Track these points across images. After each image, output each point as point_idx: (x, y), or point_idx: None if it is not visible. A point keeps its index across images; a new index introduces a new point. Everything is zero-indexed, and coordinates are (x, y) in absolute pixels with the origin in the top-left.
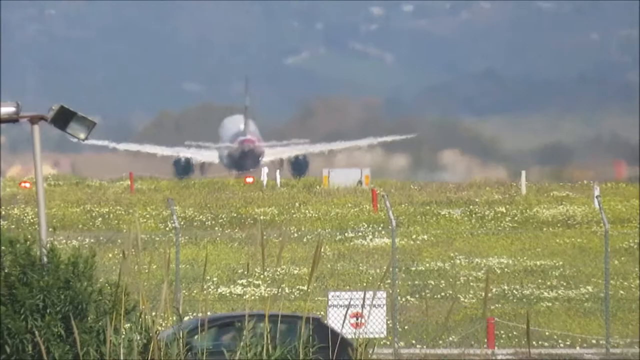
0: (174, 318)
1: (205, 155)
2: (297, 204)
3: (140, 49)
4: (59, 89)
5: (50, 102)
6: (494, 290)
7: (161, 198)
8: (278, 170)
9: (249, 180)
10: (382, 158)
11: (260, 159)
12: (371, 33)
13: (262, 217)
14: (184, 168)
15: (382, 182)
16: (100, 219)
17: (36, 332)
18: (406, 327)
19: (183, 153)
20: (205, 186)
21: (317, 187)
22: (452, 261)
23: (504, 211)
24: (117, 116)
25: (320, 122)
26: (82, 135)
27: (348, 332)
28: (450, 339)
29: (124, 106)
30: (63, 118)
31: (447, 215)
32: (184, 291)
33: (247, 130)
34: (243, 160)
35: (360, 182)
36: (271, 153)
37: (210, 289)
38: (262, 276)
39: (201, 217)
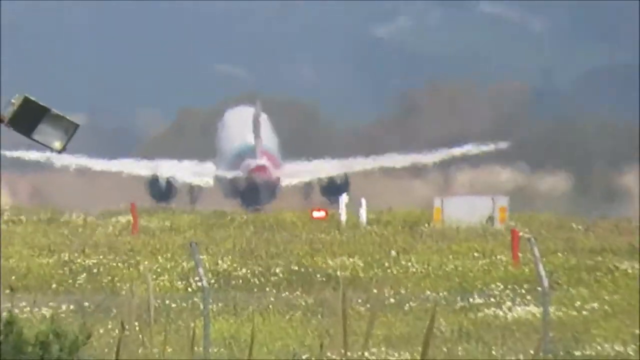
0: None
1: (195, 171)
2: (393, 252)
3: (145, 17)
4: (31, 78)
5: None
6: None
7: (180, 242)
8: (363, 200)
9: (318, 214)
10: (525, 179)
11: (277, 190)
12: None
13: (340, 273)
14: (161, 193)
15: (527, 217)
16: (84, 274)
17: None
18: None
19: (164, 171)
20: (251, 224)
21: (425, 225)
22: (638, 343)
23: None
24: (114, 117)
25: (429, 122)
26: (57, 144)
27: None
28: None
29: (124, 102)
30: (28, 117)
31: (629, 272)
32: None
33: (258, 148)
34: (253, 195)
35: (491, 218)
36: (293, 172)
37: None
38: None
39: (243, 270)
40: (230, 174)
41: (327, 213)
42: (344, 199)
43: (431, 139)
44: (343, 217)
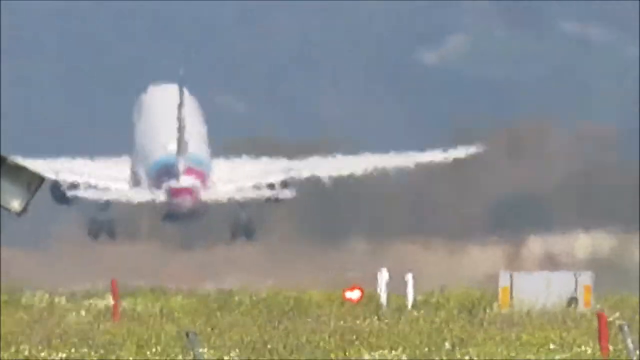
0: None
1: (99, 174)
2: (447, 344)
3: (132, 33)
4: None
5: None
6: None
7: (174, 331)
8: (410, 276)
9: (352, 295)
10: (615, 248)
11: (205, 213)
12: (598, 3)
13: None
14: (62, 197)
15: (617, 298)
16: None
17: None
18: None
19: (66, 175)
20: (264, 307)
21: (487, 309)
22: None
23: None
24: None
25: (489, 171)
26: (15, 204)
27: None
28: None
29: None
30: None
31: None
32: None
33: (181, 164)
34: (172, 218)
35: (574, 299)
36: (229, 174)
37: None
38: None
39: None
40: (148, 196)
41: (362, 293)
42: (384, 275)
43: (492, 194)
44: (383, 299)
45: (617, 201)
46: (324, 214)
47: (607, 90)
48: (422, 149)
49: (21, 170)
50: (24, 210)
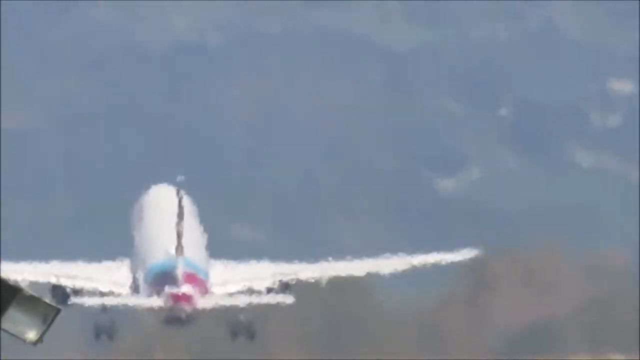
0: None
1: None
2: None
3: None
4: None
5: None
6: None
7: None
8: None
9: None
10: None
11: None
12: (609, 131)
13: None
14: (64, 302)
15: None
16: None
17: None
18: None
19: (68, 280)
20: None
21: None
22: None
23: None
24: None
25: (505, 300)
26: (31, 335)
27: None
28: None
29: None
30: None
31: None
32: None
33: (180, 270)
34: (172, 324)
35: None
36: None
37: None
38: None
39: None
40: (147, 302)
41: None
42: None
43: (508, 323)
44: None
45: (628, 330)
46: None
47: (618, 219)
48: (433, 278)
49: (37, 301)
50: (40, 340)
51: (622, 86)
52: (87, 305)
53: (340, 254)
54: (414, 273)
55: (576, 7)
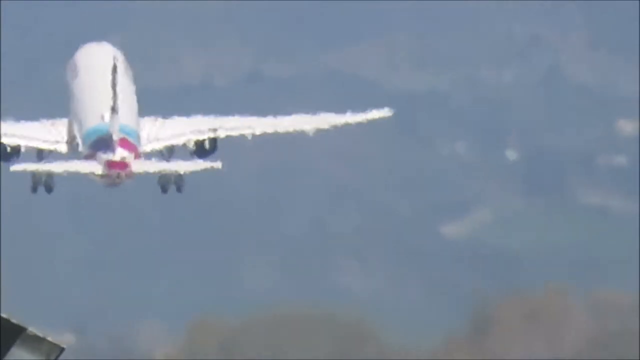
0: None
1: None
2: None
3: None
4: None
5: None
6: None
7: None
8: None
9: None
10: None
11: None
12: (615, 170)
13: None
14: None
15: None
16: None
17: None
18: None
19: (9, 139)
20: None
21: None
22: None
23: None
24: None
25: (511, 343)
26: None
27: None
28: None
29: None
30: None
31: None
32: None
33: (116, 135)
34: (108, 184)
35: None
36: (155, 132)
37: None
38: None
39: None
40: (85, 167)
41: None
42: None
43: None
44: None
45: None
46: None
47: (625, 259)
48: (436, 324)
49: (41, 341)
50: None
51: (629, 126)
52: (28, 170)
53: (347, 295)
54: (418, 313)
55: (582, 51)
